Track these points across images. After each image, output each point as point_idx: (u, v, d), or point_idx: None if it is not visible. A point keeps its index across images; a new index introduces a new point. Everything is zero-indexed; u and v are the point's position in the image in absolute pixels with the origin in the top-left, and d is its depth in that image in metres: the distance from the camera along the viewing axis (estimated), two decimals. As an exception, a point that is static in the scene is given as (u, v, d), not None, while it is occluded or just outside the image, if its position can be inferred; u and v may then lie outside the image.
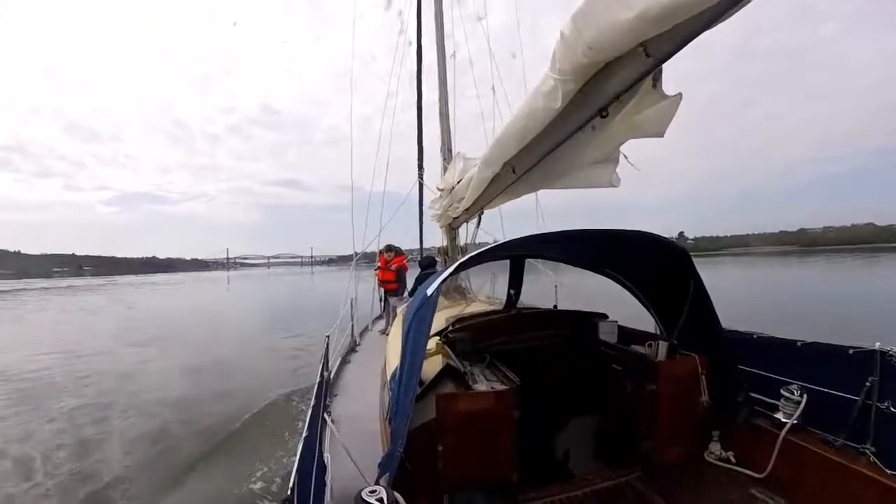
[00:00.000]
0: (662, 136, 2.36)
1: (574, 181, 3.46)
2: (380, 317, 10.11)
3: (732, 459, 3.20)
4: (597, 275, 4.07)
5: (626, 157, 2.83)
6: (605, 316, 4.34)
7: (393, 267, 9.05)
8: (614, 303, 4.62)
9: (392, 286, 9.06)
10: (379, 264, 9.34)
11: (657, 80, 2.11)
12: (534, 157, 3.43)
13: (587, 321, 4.31)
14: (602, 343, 4.11)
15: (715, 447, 3.30)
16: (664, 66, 1.93)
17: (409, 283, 9.23)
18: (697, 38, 1.66)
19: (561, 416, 3.97)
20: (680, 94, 2.14)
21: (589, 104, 2.42)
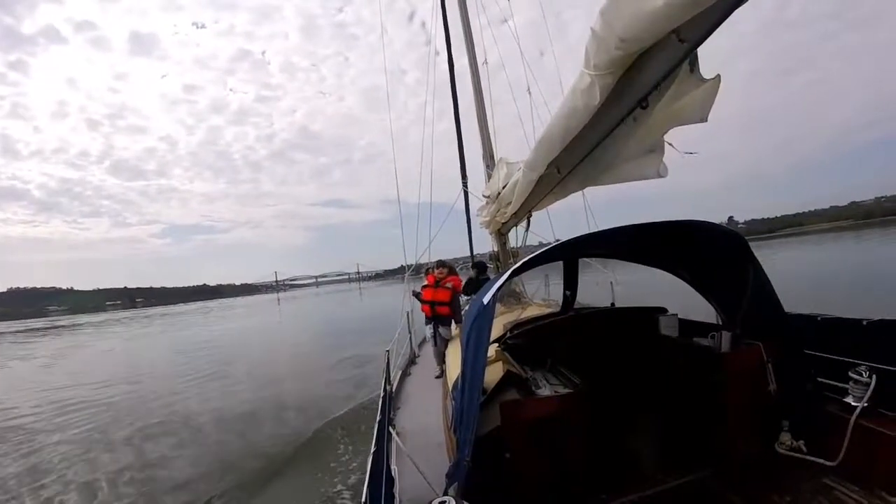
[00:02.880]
0: (706, 121, 2.31)
1: (621, 175, 3.42)
2: (424, 342, 8.53)
3: (804, 448, 3.05)
4: (653, 268, 3.98)
5: (672, 146, 2.78)
6: (664, 310, 4.21)
7: (448, 285, 6.91)
8: (674, 295, 4.49)
9: (444, 309, 6.87)
10: (426, 282, 7.23)
11: (694, 65, 2.08)
12: (578, 156, 3.42)
13: (647, 317, 4.21)
14: (664, 338, 4.00)
15: (785, 437, 3.15)
16: (699, 49, 1.90)
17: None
18: (729, 17, 1.63)
19: (627, 415, 3.89)
20: (718, 77, 2.10)
21: (628, 96, 2.41)
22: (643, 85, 2.23)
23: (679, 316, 4.07)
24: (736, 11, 1.62)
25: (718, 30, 1.71)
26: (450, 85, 10.61)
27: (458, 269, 7.56)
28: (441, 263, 7.24)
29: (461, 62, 10.43)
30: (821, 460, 2.91)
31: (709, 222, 3.01)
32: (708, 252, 3.35)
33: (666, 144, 2.80)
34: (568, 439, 2.91)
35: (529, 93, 9.88)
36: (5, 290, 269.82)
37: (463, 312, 6.63)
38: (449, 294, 6.85)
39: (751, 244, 3.10)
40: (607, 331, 4.30)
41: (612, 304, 5.51)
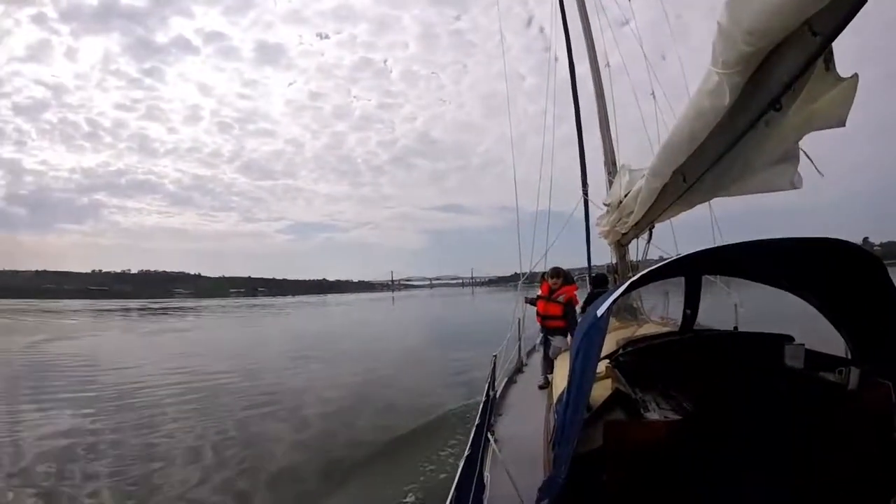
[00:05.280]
0: (844, 125, 2.11)
1: (751, 186, 3.21)
2: (533, 350, 8.48)
3: None
4: (781, 290, 3.66)
5: (806, 154, 2.57)
6: (791, 338, 3.85)
7: (560, 298, 6.57)
8: (800, 321, 4.09)
9: (556, 323, 6.64)
10: (539, 292, 6.98)
11: (829, 62, 1.91)
12: (705, 163, 3.27)
13: (771, 344, 3.87)
14: (787, 369, 3.66)
15: None
16: (834, 44, 1.77)
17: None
18: (864, 7, 1.51)
19: (738, 452, 3.62)
20: (856, 76, 1.90)
21: (759, 98, 2.28)
22: (775, 84, 2.10)
23: (806, 346, 3.70)
24: (870, 1, 1.49)
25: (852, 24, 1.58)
26: (570, 90, 10.31)
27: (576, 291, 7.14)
28: (556, 273, 6.84)
29: (581, 66, 10.18)
30: None
31: (845, 241, 2.71)
32: (841, 275, 3.00)
33: (801, 152, 2.60)
34: (672, 470, 2.75)
35: (654, 96, 9.47)
36: (136, 271, 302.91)
37: None
38: (560, 308, 6.55)
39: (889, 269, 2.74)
40: (727, 356, 4.01)
41: (735, 328, 5.13)
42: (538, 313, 6.93)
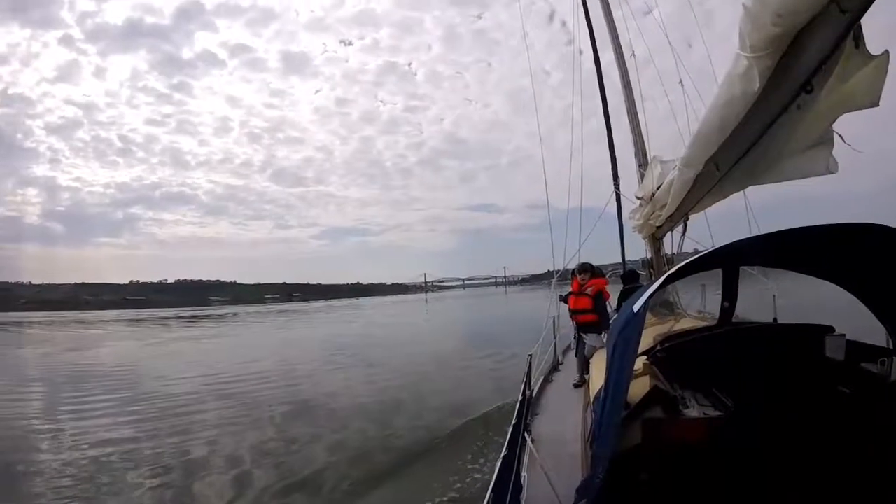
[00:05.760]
0: (877, 105, 2.06)
1: (786, 172, 3.15)
2: (568, 349, 8.41)
3: None
4: (820, 280, 3.56)
5: (840, 136, 2.51)
6: (831, 329, 3.74)
7: (588, 291, 6.55)
8: (842, 311, 3.97)
9: (588, 318, 6.57)
10: (571, 289, 6.96)
11: (859, 40, 1.87)
12: (738, 150, 3.23)
13: (811, 336, 3.77)
14: (827, 361, 3.56)
15: None
16: (864, 22, 1.74)
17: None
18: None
19: (781, 448, 3.54)
20: (887, 53, 1.87)
21: (790, 80, 2.26)
22: (806, 66, 2.07)
23: (847, 337, 3.58)
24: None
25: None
26: (596, 83, 10.25)
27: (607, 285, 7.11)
28: (584, 268, 6.85)
29: (606, 57, 10.07)
30: None
31: (885, 226, 2.63)
32: (882, 262, 2.90)
33: (835, 135, 2.54)
34: (712, 467, 2.71)
35: (682, 85, 9.18)
36: (173, 281, 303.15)
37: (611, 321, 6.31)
38: (589, 301, 6.51)
39: None
40: (767, 349, 3.93)
41: (775, 320, 5.00)
42: (570, 309, 6.93)
